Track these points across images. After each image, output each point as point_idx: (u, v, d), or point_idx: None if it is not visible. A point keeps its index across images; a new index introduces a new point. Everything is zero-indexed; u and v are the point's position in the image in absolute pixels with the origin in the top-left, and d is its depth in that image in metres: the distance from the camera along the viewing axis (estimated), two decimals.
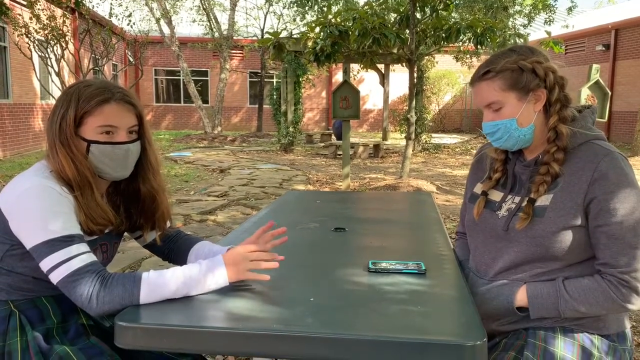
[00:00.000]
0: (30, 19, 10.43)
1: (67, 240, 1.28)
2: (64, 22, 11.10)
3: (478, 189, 1.65)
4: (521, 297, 1.43)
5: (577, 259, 1.42)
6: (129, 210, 1.58)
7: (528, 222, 1.42)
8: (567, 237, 1.38)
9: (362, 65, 9.03)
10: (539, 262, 1.43)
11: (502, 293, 1.46)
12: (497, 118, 1.46)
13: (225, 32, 18.00)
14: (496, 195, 1.57)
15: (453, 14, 8.09)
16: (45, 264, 1.27)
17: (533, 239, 1.42)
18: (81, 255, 1.28)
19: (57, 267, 1.26)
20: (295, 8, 16.34)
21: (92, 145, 1.40)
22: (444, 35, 6.77)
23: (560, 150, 1.42)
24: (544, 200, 1.42)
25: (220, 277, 1.33)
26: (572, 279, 1.40)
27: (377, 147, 12.85)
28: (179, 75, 21.60)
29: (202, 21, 19.67)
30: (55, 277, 1.27)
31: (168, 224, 1.65)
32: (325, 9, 11.91)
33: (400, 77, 20.15)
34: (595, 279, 1.38)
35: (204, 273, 1.32)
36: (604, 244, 1.36)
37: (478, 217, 1.58)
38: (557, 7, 13.25)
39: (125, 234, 1.65)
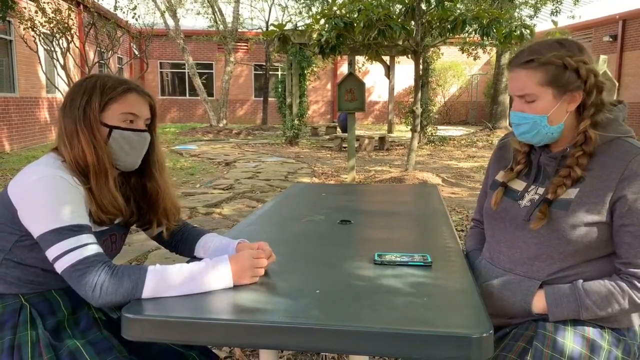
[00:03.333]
0: (36, 12, 10.44)
1: (75, 230, 1.28)
2: (69, 15, 11.11)
3: (500, 177, 1.62)
4: (540, 303, 1.41)
5: (596, 254, 1.40)
6: (139, 204, 1.60)
7: (544, 222, 1.40)
8: (590, 232, 1.37)
9: (367, 57, 9.01)
10: (558, 256, 1.41)
11: (518, 292, 1.44)
12: (527, 110, 1.42)
13: (230, 25, 17.96)
14: (519, 185, 1.54)
15: (458, 5, 8.03)
16: (52, 252, 1.27)
17: (555, 232, 1.40)
18: (90, 245, 1.29)
19: (64, 255, 1.26)
20: (302, 0, 16.30)
21: (115, 131, 1.43)
22: (449, 26, 6.72)
23: (585, 155, 1.39)
24: (569, 193, 1.40)
25: (224, 280, 1.32)
26: (591, 282, 1.38)
27: (382, 139, 12.83)
28: (184, 68, 21.58)
29: (207, 14, 19.63)
30: (61, 265, 1.27)
31: (174, 219, 1.66)
32: (330, 0, 11.86)
33: (405, 69, 20.06)
34: (615, 281, 1.36)
35: (208, 273, 1.30)
36: (628, 244, 1.35)
37: (496, 207, 1.55)
38: None
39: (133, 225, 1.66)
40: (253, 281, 1.35)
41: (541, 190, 1.47)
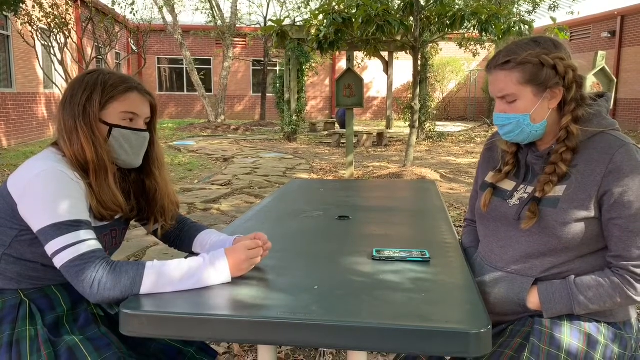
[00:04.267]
0: (33, 7, 10.40)
1: (75, 225, 1.28)
2: (66, 10, 11.07)
3: (490, 177, 1.63)
4: (534, 299, 1.41)
5: (588, 250, 1.41)
6: (138, 199, 1.60)
7: (534, 221, 1.41)
8: (580, 228, 1.37)
9: (365, 53, 8.99)
10: (550, 253, 1.41)
11: (512, 289, 1.45)
12: (510, 111, 1.43)
13: (228, 20, 17.92)
14: (508, 184, 1.55)
15: (457, 1, 8.02)
16: (51, 247, 1.27)
17: (545, 229, 1.40)
18: (89, 241, 1.29)
19: (63, 250, 1.26)
20: None
21: (115, 130, 1.43)
22: (448, 22, 6.72)
23: (569, 151, 1.40)
24: (556, 190, 1.40)
25: (222, 274, 1.33)
26: (583, 277, 1.39)
27: (380, 135, 12.82)
28: (182, 64, 21.55)
29: (205, 9, 19.58)
30: (60, 260, 1.27)
31: (171, 217, 1.66)
32: None
33: (404, 65, 20.06)
34: (607, 275, 1.37)
35: (206, 268, 1.31)
36: (617, 237, 1.35)
37: (485, 209, 1.56)
38: None
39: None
40: (250, 268, 1.38)
41: (530, 189, 1.48)
